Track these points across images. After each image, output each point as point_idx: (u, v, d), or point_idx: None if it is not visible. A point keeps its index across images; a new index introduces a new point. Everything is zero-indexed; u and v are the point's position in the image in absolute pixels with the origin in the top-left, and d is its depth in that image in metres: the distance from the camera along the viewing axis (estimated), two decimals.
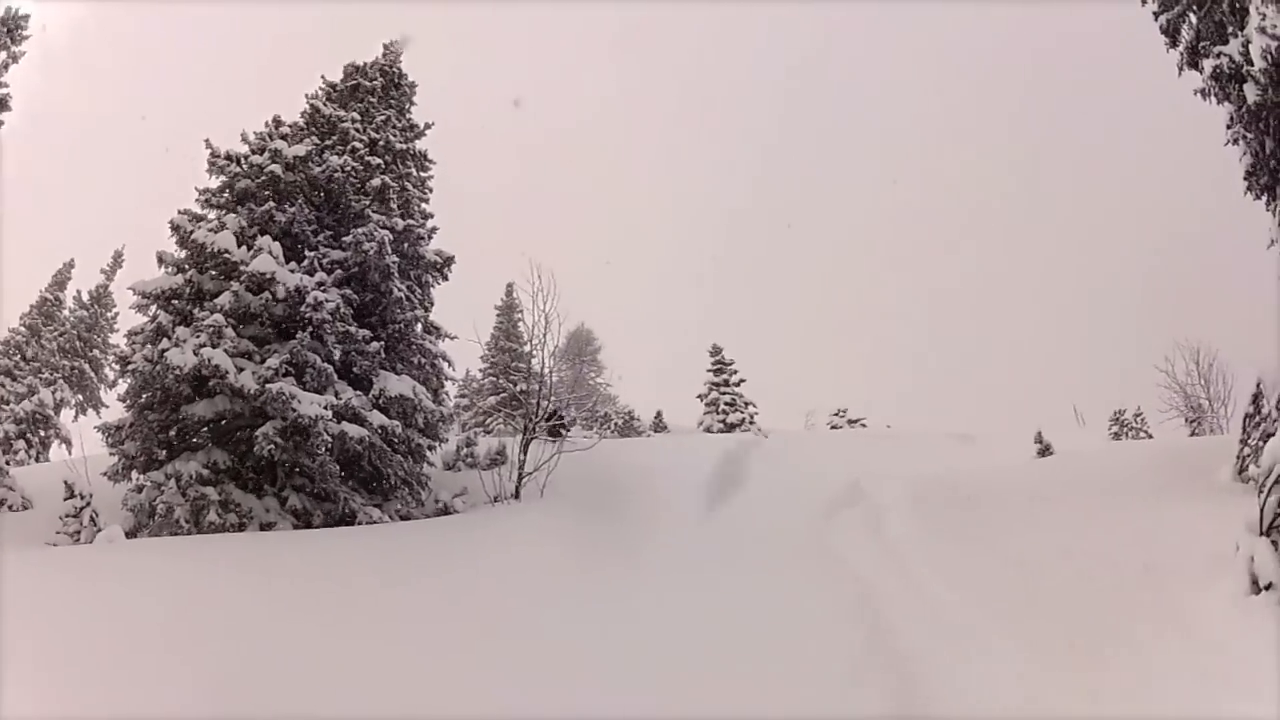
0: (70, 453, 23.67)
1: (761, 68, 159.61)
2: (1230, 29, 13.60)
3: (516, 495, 16.09)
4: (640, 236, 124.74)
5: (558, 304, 18.35)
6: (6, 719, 4.85)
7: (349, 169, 15.88)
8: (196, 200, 15.78)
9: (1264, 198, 13.25)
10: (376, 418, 14.37)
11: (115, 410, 17.96)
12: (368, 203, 16.11)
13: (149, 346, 13.67)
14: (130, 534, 12.51)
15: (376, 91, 17.73)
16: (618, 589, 10.14)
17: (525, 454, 16.65)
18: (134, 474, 13.80)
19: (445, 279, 17.17)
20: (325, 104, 17.04)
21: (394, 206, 16.44)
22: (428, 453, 15.98)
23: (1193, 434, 29.81)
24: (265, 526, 13.35)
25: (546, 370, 18.67)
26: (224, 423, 14.06)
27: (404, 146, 17.47)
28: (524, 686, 7.17)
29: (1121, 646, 6.88)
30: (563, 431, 21.60)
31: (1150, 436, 31.21)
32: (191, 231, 14.63)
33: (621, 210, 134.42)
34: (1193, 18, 14.28)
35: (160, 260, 14.77)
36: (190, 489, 12.98)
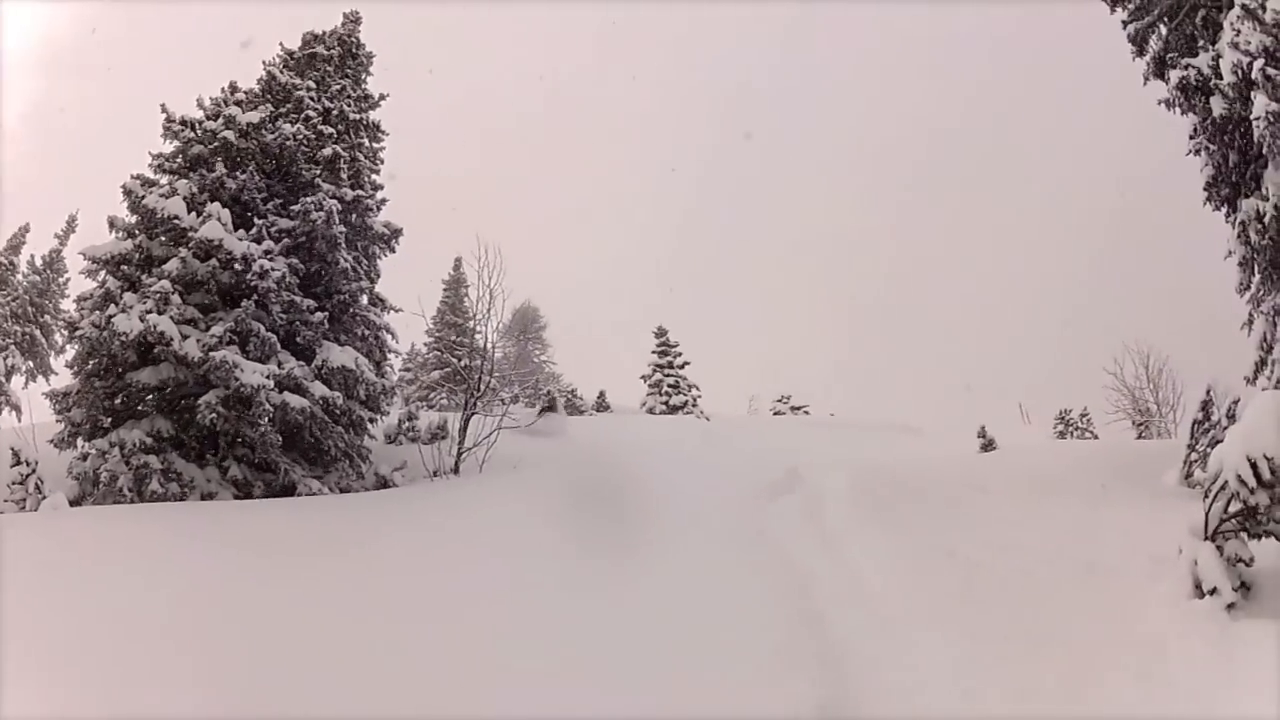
0: (20, 419, 23.25)
1: (718, 68, 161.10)
2: (1201, 42, 13.68)
3: (456, 470, 16.03)
4: (599, 227, 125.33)
5: (504, 280, 18.30)
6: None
7: (301, 137, 15.64)
8: (150, 165, 15.46)
9: (1224, 209, 13.35)
10: (318, 388, 14.22)
11: (64, 377, 17.69)
12: (318, 172, 15.88)
13: (97, 313, 13.45)
14: (75, 502, 12.32)
15: (333, 60, 17.42)
16: (550, 566, 9.93)
17: (465, 429, 16.52)
18: (80, 441, 13.56)
19: (393, 251, 17.03)
20: (281, 71, 16.71)
21: (344, 177, 16.16)
22: (369, 425, 15.86)
23: (1139, 437, 29.84)
24: (206, 496, 13.20)
25: (490, 345, 18.74)
26: (169, 391, 13.80)
27: (357, 116, 17.19)
28: (456, 655, 7.05)
29: (1059, 644, 6.84)
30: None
31: (1095, 437, 31.30)
32: (143, 197, 14.37)
33: (581, 199, 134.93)
34: (1163, 29, 14.34)
35: (111, 225, 14.49)
36: (134, 457, 12.80)
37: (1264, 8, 12.00)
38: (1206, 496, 7.39)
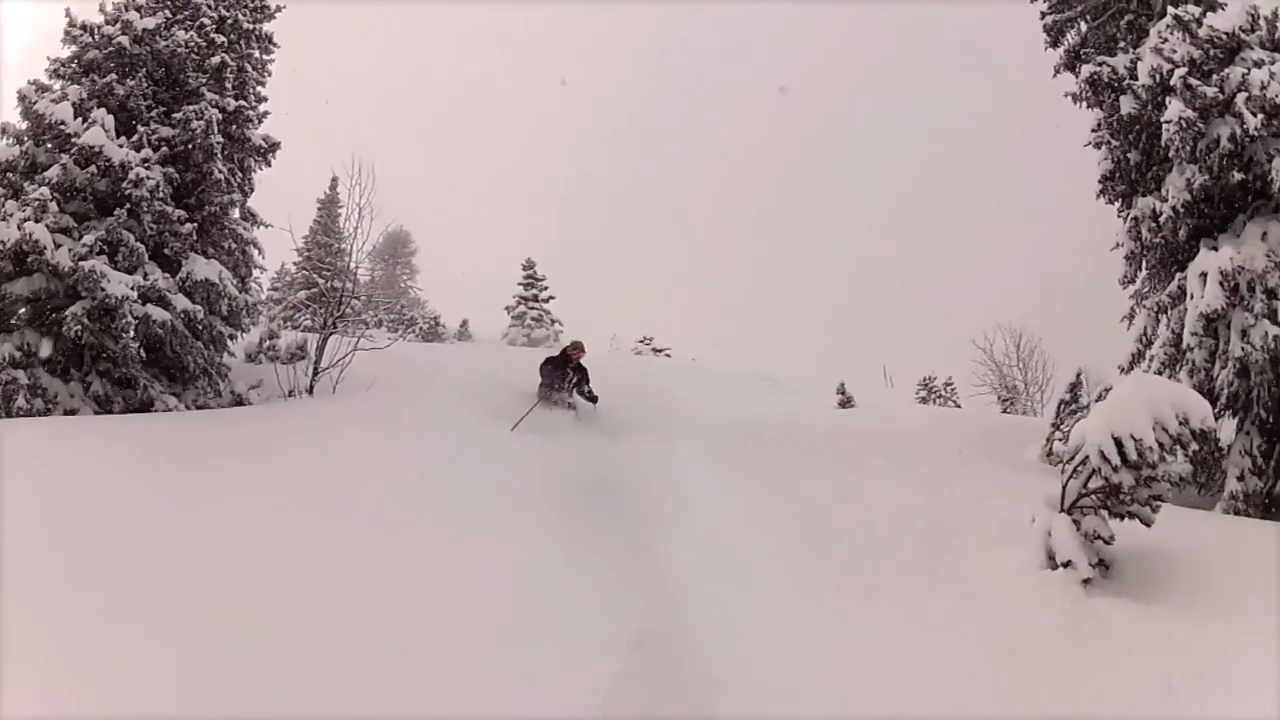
0: None
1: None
2: (1122, 44, 13.87)
3: (310, 390, 15.70)
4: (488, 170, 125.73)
5: (374, 198, 17.45)
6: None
7: (193, 44, 14.98)
8: (46, 70, 14.72)
9: (1118, 203, 13.59)
10: (181, 301, 13.73)
11: None
12: (205, 80, 15.21)
13: None
14: None
15: None
16: (392, 488, 9.54)
17: (323, 350, 16.17)
18: None
19: (268, 164, 16.37)
20: None
21: (229, 87, 15.51)
22: (229, 342, 15.37)
23: (1004, 412, 29.89)
24: (69, 412, 12.64)
25: (355, 265, 18.33)
26: (40, 303, 13.16)
27: (251, 26, 16.38)
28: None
29: (896, 599, 6.74)
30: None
31: (958, 406, 31.56)
32: (35, 102, 13.71)
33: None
34: (1083, 25, 14.50)
35: (3, 132, 13.83)
36: (3, 372, 12.21)
37: (1199, 22, 12.23)
38: (1063, 470, 7.39)
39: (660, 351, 42.65)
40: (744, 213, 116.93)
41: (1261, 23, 12.32)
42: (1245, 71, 11.72)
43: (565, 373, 16.28)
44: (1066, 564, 7.08)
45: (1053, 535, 7.15)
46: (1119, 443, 7.09)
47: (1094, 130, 13.77)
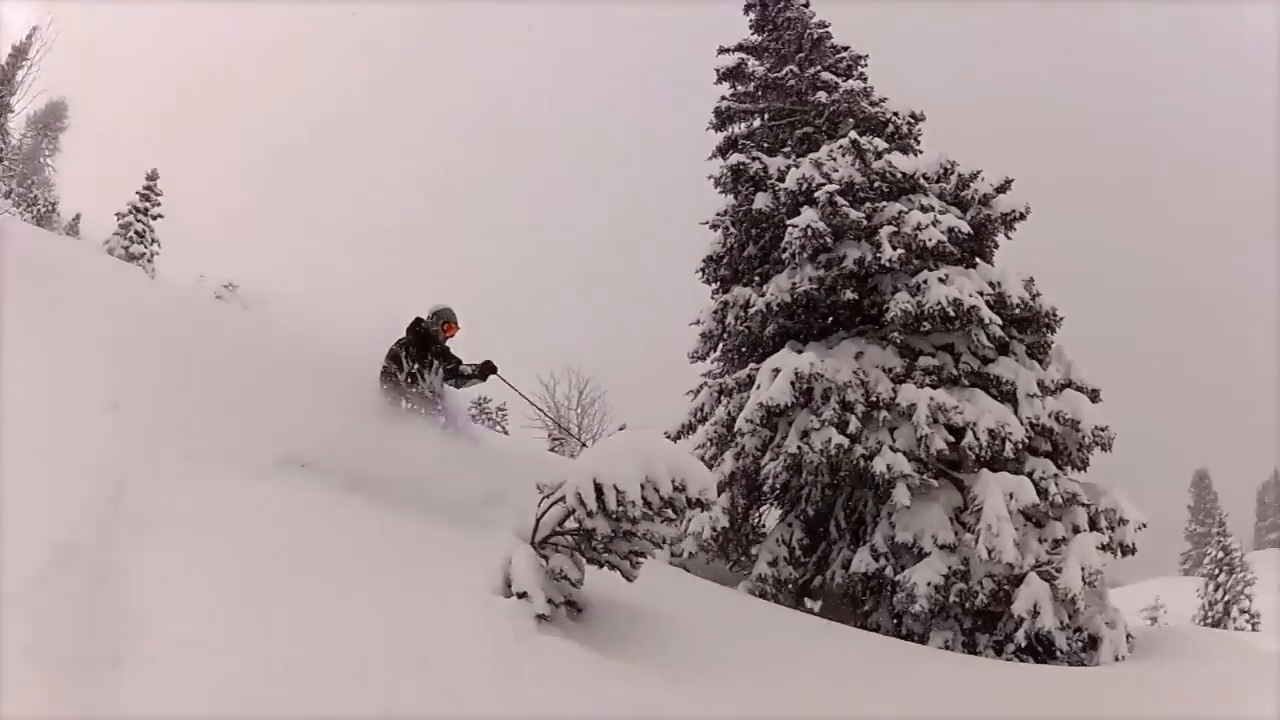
0: None
1: None
2: (786, 148, 14.70)
3: None
4: None
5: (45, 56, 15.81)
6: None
7: None
8: None
9: (714, 285, 14.27)
10: None
11: None
12: None
13: None
14: None
15: None
16: None
17: None
18: None
19: None
20: None
21: None
22: None
23: (551, 449, 30.20)
24: None
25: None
26: None
27: None
28: None
29: (328, 613, 6.20)
30: None
31: (506, 433, 32.23)
32: None
33: None
34: (757, 121, 15.34)
35: None
36: None
37: (878, 154, 13.09)
38: (541, 503, 7.46)
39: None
40: None
41: (953, 178, 13.33)
42: (905, 210, 12.64)
43: (426, 357, 11.36)
44: (522, 594, 7.09)
45: (513, 563, 7.15)
46: (599, 489, 7.19)
47: (719, 214, 14.51)
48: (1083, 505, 12.87)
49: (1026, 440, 12.56)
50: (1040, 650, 12.06)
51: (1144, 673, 11.86)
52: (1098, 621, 12.64)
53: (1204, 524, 63.24)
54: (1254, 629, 37.67)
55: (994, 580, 12.13)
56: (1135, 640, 13.31)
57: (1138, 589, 44.77)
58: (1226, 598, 40.91)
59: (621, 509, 7.22)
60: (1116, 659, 12.42)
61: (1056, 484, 12.69)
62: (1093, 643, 12.49)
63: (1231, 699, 10.29)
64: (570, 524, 7.35)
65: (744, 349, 13.66)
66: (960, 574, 12.18)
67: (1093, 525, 12.85)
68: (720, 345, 14.01)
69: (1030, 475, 12.46)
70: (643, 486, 7.30)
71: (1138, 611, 34.99)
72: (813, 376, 11.87)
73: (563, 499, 7.25)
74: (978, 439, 12.09)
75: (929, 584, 11.96)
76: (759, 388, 12.14)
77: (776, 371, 12.03)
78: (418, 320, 11.61)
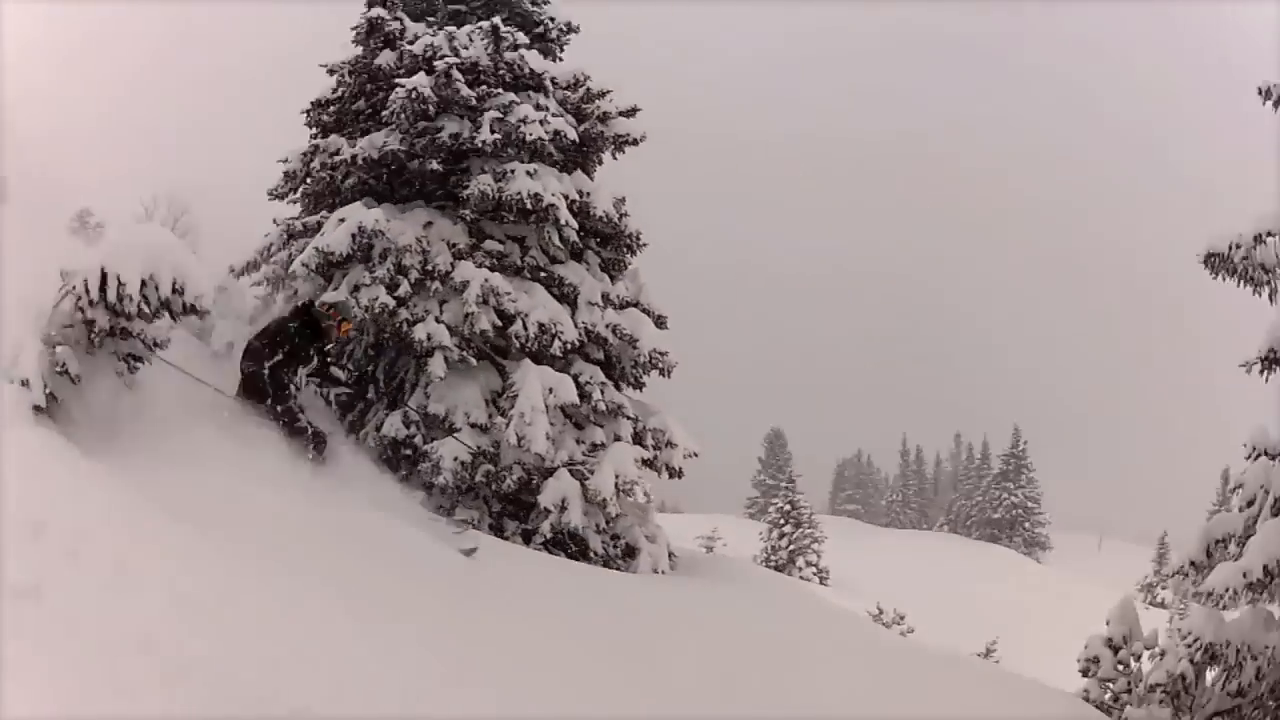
0: None
1: None
2: (432, 16, 14.43)
3: None
4: None
5: None
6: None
7: None
8: None
9: (315, 130, 13.82)
10: None
11: None
12: None
13: None
14: None
15: None
16: None
17: None
18: None
19: None
20: None
21: None
22: None
23: None
24: None
25: None
26: None
27: None
28: None
29: None
30: None
31: None
32: None
33: None
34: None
35: None
36: None
37: (514, 47, 13.06)
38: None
39: None
40: None
41: (581, 89, 14.05)
42: (518, 102, 13.08)
43: (309, 356, 9.44)
44: (25, 383, 6.58)
45: (22, 351, 6.65)
46: (104, 278, 6.96)
47: (342, 62, 14.05)
48: (629, 419, 13.60)
49: (578, 343, 13.09)
50: (574, 548, 12.62)
51: (673, 583, 12.79)
52: (637, 533, 13.40)
53: (775, 478, 68.43)
54: (823, 583, 41.02)
55: (524, 468, 12.61)
56: (679, 560, 14.25)
57: (701, 519, 48.38)
58: (792, 547, 44.66)
59: (120, 302, 7.03)
60: (656, 571, 13.15)
61: (603, 392, 13.30)
62: (630, 551, 13.22)
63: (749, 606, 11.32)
64: (76, 316, 7.10)
65: (323, 196, 13.40)
66: (490, 456, 12.61)
67: (638, 440, 13.61)
68: (300, 189, 13.65)
69: (577, 378, 13.01)
70: (143, 284, 7.13)
71: (694, 538, 37.04)
72: (374, 233, 11.85)
73: (73, 289, 6.98)
74: (526, 329, 12.51)
75: (455, 458, 12.32)
76: (322, 235, 12.02)
77: (342, 221, 11.95)
78: (306, 306, 10.01)
